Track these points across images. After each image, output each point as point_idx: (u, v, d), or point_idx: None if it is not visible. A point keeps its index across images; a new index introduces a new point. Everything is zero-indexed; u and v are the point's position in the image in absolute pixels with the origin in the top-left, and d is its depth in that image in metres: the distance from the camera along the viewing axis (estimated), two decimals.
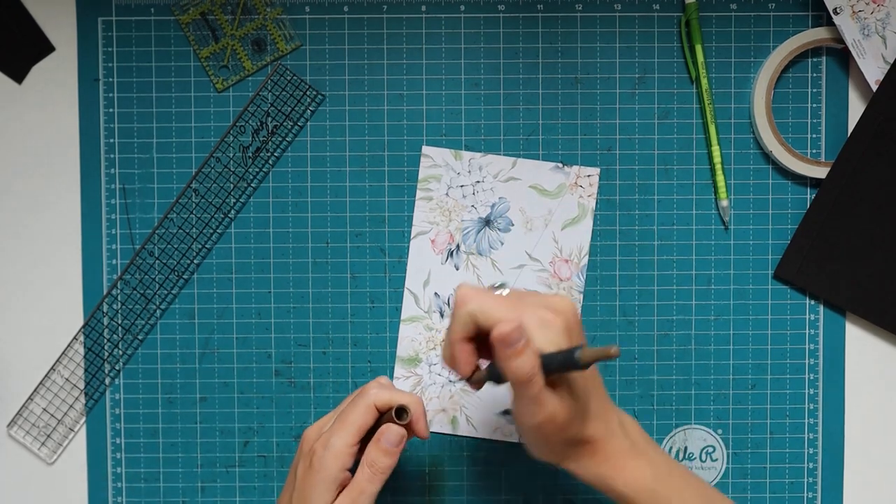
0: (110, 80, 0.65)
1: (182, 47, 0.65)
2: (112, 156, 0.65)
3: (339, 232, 0.65)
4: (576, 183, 0.65)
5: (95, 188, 0.65)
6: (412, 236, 0.65)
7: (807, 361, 0.66)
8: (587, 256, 0.65)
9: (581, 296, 0.65)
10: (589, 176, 0.65)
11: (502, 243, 0.65)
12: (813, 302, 0.66)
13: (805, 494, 0.66)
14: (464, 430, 0.65)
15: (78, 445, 0.66)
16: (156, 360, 0.66)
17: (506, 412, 0.65)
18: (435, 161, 0.65)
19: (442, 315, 0.65)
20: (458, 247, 0.65)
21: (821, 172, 0.64)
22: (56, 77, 0.65)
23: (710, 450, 0.66)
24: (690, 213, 0.65)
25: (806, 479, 0.66)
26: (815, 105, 0.65)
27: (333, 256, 0.65)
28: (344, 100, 0.65)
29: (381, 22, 0.65)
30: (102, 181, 0.65)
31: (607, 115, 0.65)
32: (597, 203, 0.65)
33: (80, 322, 0.66)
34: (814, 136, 0.65)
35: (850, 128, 0.65)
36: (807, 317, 0.66)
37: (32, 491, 0.66)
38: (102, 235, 0.65)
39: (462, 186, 0.65)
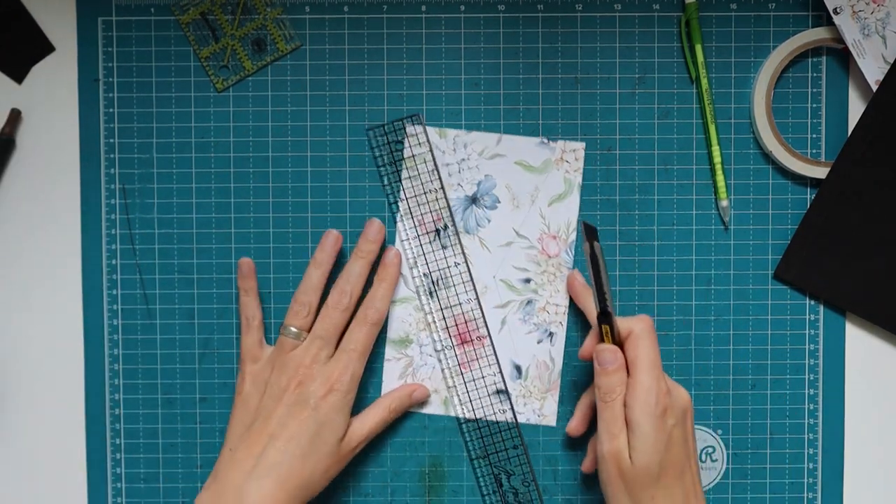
0: (110, 80, 0.65)
1: (182, 47, 0.65)
2: (112, 156, 0.65)
3: (340, 232, 0.65)
4: (561, 158, 0.65)
5: (95, 188, 0.65)
6: (398, 217, 0.65)
7: (807, 361, 0.66)
8: (575, 232, 0.65)
9: (569, 272, 0.65)
10: (574, 150, 0.65)
11: (489, 221, 0.65)
12: (813, 302, 0.66)
13: (805, 495, 0.66)
14: (456, 410, 0.65)
15: (78, 445, 0.66)
16: (156, 360, 0.66)
17: (499, 391, 0.65)
18: (419, 139, 0.65)
19: (431, 295, 0.65)
20: (445, 226, 0.65)
21: (821, 172, 0.64)
22: (56, 77, 0.65)
23: (710, 450, 0.66)
24: (690, 213, 0.65)
25: (806, 480, 0.66)
26: (815, 105, 0.65)
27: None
28: (344, 100, 0.65)
29: (381, 22, 0.65)
30: (102, 181, 0.65)
31: (607, 115, 0.65)
32: (583, 178, 0.65)
33: (80, 322, 0.66)
34: (814, 136, 0.65)
35: (850, 128, 0.65)
36: (807, 317, 0.66)
37: (32, 492, 0.66)
38: (102, 235, 0.65)
39: (447, 165, 0.65)
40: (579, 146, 0.65)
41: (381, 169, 0.64)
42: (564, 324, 0.65)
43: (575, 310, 0.65)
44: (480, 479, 0.65)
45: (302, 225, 0.65)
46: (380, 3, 0.65)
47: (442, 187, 0.64)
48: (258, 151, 0.65)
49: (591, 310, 0.62)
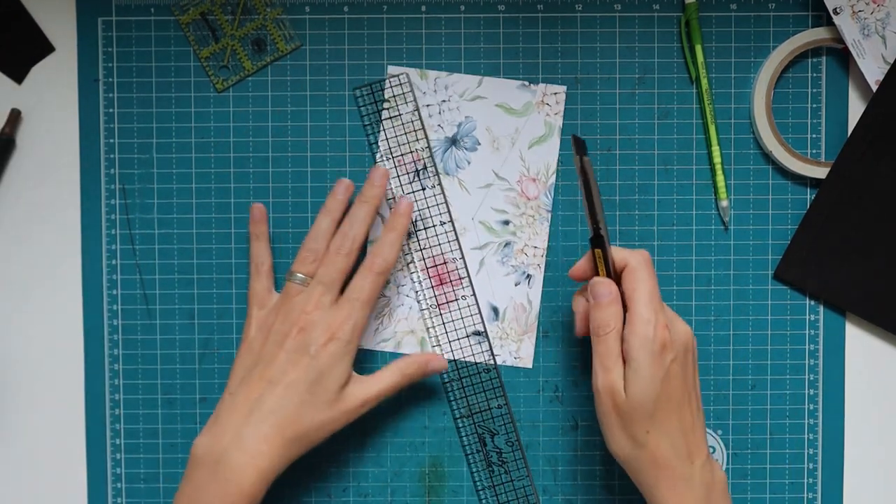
0: (110, 80, 0.65)
1: (182, 47, 0.65)
2: (112, 156, 0.65)
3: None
4: (542, 101, 0.65)
5: (95, 188, 0.65)
6: (378, 157, 0.65)
7: (807, 361, 0.66)
8: (554, 175, 0.65)
9: (549, 215, 0.65)
10: (555, 94, 0.65)
11: (469, 162, 0.65)
12: (813, 302, 0.66)
13: (805, 495, 0.66)
14: (434, 351, 0.65)
15: (78, 445, 0.66)
16: (156, 360, 0.66)
17: (476, 333, 0.65)
18: (401, 80, 0.65)
19: (409, 236, 0.65)
20: (424, 167, 0.65)
21: (821, 172, 0.64)
22: (56, 77, 0.65)
23: (710, 450, 0.66)
24: (690, 213, 0.65)
25: (806, 480, 0.66)
26: (815, 105, 0.65)
27: None
28: (344, 100, 0.65)
29: (381, 22, 0.65)
30: (102, 181, 0.65)
31: (607, 115, 0.65)
32: (563, 122, 0.65)
33: (80, 322, 0.66)
34: (814, 136, 0.65)
35: (850, 128, 0.65)
36: (807, 317, 0.66)
37: (32, 492, 0.66)
38: (102, 235, 0.65)
39: (428, 106, 0.65)
40: (560, 89, 0.65)
41: (367, 128, 0.64)
42: (542, 266, 0.65)
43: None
44: (464, 438, 0.65)
45: (302, 225, 0.65)
46: (380, 3, 0.65)
47: (423, 127, 0.64)
48: (258, 151, 0.65)
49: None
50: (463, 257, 0.65)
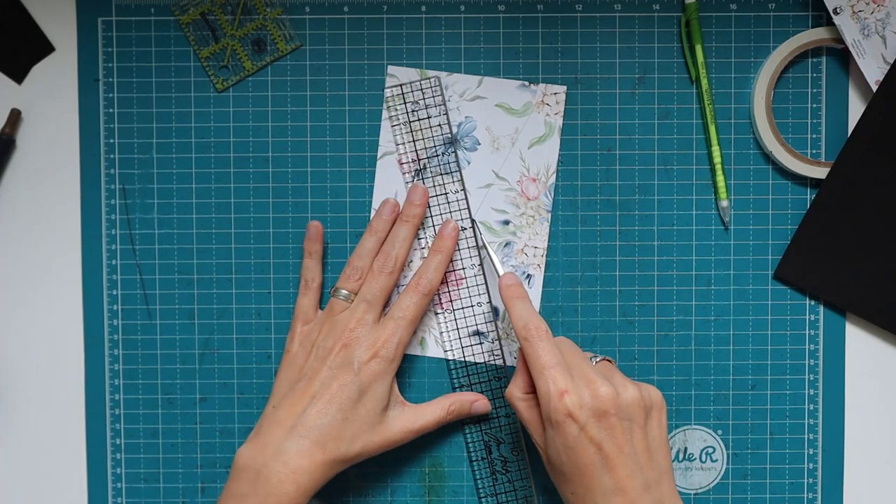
0: (110, 80, 0.65)
1: (182, 47, 0.65)
2: (112, 156, 0.65)
3: (340, 233, 0.65)
4: (542, 101, 0.65)
5: (95, 188, 0.65)
6: (378, 156, 0.65)
7: (807, 361, 0.66)
8: (554, 175, 0.65)
9: (549, 214, 0.65)
10: (555, 94, 0.65)
11: (469, 162, 0.65)
12: (813, 302, 0.66)
13: (805, 495, 0.66)
14: (433, 351, 0.65)
15: (78, 445, 0.66)
16: (156, 360, 0.66)
17: (476, 332, 0.65)
18: (400, 80, 0.65)
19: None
20: (424, 166, 0.65)
21: (821, 172, 0.64)
22: (56, 77, 0.65)
23: (710, 450, 0.66)
24: (690, 213, 0.65)
25: (806, 480, 0.66)
26: (815, 105, 0.65)
27: (333, 257, 0.65)
28: (344, 100, 0.65)
29: (381, 22, 0.65)
30: (102, 181, 0.65)
31: (607, 115, 0.65)
32: (563, 122, 0.65)
33: (80, 322, 0.66)
34: (814, 136, 0.65)
35: (850, 128, 0.65)
36: (807, 317, 0.66)
37: (32, 492, 0.66)
38: (102, 235, 0.65)
39: (428, 106, 0.65)
40: (560, 89, 0.65)
41: (395, 128, 0.64)
42: (542, 266, 0.65)
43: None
44: (470, 445, 0.65)
45: (302, 225, 0.65)
46: (380, 3, 0.65)
47: (451, 131, 0.64)
48: (258, 151, 0.65)
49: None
50: (470, 257, 0.65)
